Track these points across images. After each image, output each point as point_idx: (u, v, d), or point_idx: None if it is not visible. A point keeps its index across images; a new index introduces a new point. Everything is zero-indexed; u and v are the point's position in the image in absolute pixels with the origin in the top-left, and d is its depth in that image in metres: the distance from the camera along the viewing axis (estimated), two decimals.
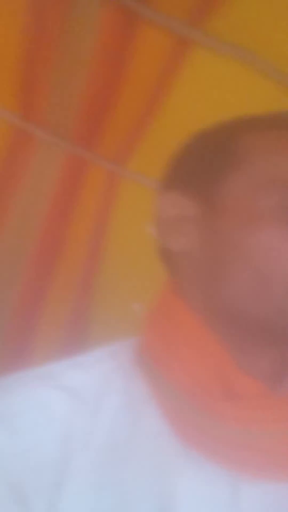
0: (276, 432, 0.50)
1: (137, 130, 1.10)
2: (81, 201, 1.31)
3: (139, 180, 1.26)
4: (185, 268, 0.59)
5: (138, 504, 0.49)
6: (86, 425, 0.52)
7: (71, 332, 1.34)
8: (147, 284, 0.66)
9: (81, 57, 0.95)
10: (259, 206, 0.54)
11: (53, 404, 0.52)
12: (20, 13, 0.87)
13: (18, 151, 1.24)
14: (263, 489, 0.51)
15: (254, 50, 0.89)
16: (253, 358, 0.55)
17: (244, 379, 0.52)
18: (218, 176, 0.57)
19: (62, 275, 1.35)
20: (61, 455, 0.50)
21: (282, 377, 0.56)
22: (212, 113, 0.95)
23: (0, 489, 0.49)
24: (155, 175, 0.67)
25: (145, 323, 0.59)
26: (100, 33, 0.89)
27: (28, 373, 0.57)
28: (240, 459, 0.50)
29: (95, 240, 1.35)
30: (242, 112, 0.82)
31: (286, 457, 0.50)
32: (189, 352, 0.54)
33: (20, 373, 0.57)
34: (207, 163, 0.59)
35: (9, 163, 1.26)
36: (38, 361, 0.60)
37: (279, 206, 0.53)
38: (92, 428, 0.52)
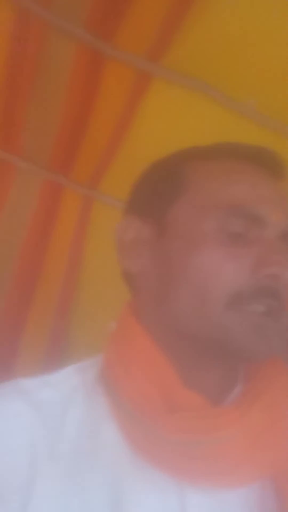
0: (216, 440, 0.52)
1: (107, 156, 1.16)
2: (57, 225, 1.34)
3: (111, 203, 1.29)
4: (141, 289, 0.63)
5: (95, 509, 0.52)
6: (51, 436, 0.55)
7: (51, 353, 1.34)
8: (123, 303, 0.66)
9: (55, 91, 1.01)
10: (201, 229, 0.57)
11: (22, 416, 0.56)
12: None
13: None
14: (208, 496, 0.53)
15: (207, 80, 0.97)
16: (199, 374, 0.58)
17: (186, 394, 0.55)
18: (167, 201, 0.61)
19: (41, 298, 1.36)
20: (28, 461, 0.53)
21: (226, 391, 0.59)
22: (172, 139, 1.01)
23: None
24: (124, 197, 0.70)
25: (106, 342, 0.61)
26: (72, 70, 0.96)
27: (4, 387, 0.60)
28: (183, 467, 0.53)
29: (72, 263, 1.36)
30: (199, 138, 0.91)
31: (226, 464, 0.52)
32: (139, 370, 0.56)
33: None
34: (158, 190, 0.63)
35: None
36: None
37: (219, 230, 0.56)
38: (58, 438, 0.55)
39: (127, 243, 0.63)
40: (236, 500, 0.54)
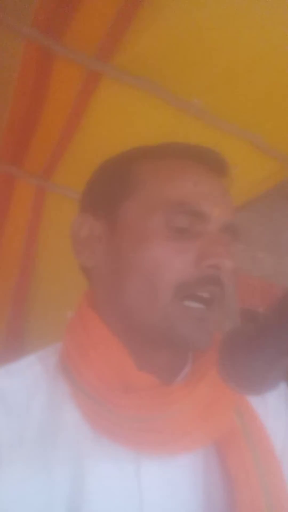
0: (167, 415, 0.57)
1: (58, 148, 1.16)
2: (10, 216, 1.34)
3: (63, 193, 1.32)
4: (96, 281, 0.66)
5: (60, 484, 0.55)
6: (15, 423, 0.58)
7: (9, 342, 1.35)
8: (79, 292, 0.69)
9: (3, 88, 1.00)
10: (148, 225, 0.60)
11: None
12: None
13: None
14: (160, 463, 0.58)
15: (154, 79, 0.98)
16: (151, 358, 0.62)
17: (140, 375, 0.59)
18: (117, 200, 0.64)
19: None
20: None
21: (176, 371, 0.64)
22: (122, 134, 1.05)
23: None
24: (77, 188, 0.72)
25: (65, 330, 0.64)
26: (21, 67, 0.95)
27: None
28: (138, 439, 0.57)
29: (26, 253, 1.38)
30: (148, 134, 0.93)
31: (175, 434, 0.57)
32: (95, 355, 0.60)
33: None
34: (109, 189, 0.65)
35: None
36: None
37: (165, 226, 0.59)
38: (23, 424, 0.58)
39: (81, 239, 0.65)
40: (183, 466, 0.59)
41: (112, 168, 0.67)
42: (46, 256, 1.39)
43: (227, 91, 1.01)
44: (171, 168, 0.63)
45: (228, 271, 0.60)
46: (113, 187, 0.64)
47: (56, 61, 0.95)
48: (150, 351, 0.62)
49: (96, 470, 0.56)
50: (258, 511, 0.56)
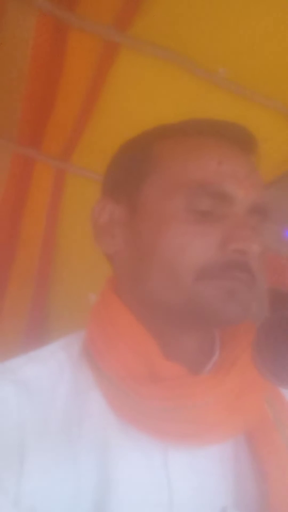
0: (195, 406, 0.55)
1: (78, 128, 1.13)
2: (31, 198, 1.33)
3: (84, 174, 1.30)
4: (118, 267, 0.64)
5: (87, 474, 0.55)
6: (40, 411, 0.57)
7: (31, 326, 1.35)
8: (102, 274, 0.68)
9: (18, 64, 0.97)
10: (169, 208, 0.58)
11: (9, 397, 0.57)
12: None
13: None
14: (187, 453, 0.57)
15: (176, 49, 0.93)
16: (178, 346, 0.60)
17: (167, 364, 0.57)
18: (137, 182, 0.62)
19: (19, 272, 1.37)
20: (18, 441, 0.54)
21: (204, 361, 0.62)
22: (143, 109, 1.02)
23: None
24: (98, 169, 0.72)
25: (88, 317, 0.63)
26: (35, 41, 0.91)
27: None
28: (165, 430, 0.56)
29: (47, 235, 1.37)
30: (170, 107, 0.88)
31: (204, 426, 0.56)
32: (121, 343, 0.59)
33: None
34: (129, 171, 0.63)
35: None
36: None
37: (186, 208, 0.57)
38: (47, 412, 0.57)
39: (102, 225, 0.64)
40: (212, 455, 0.58)
41: (132, 150, 0.66)
42: (67, 239, 1.38)
43: (253, 58, 0.96)
44: (193, 146, 0.61)
45: (256, 256, 0.57)
46: (133, 170, 0.63)
47: (71, 33, 0.92)
48: (177, 338, 0.61)
49: (123, 460, 0.56)
50: None
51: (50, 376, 0.60)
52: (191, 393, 0.56)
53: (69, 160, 1.30)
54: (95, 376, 0.59)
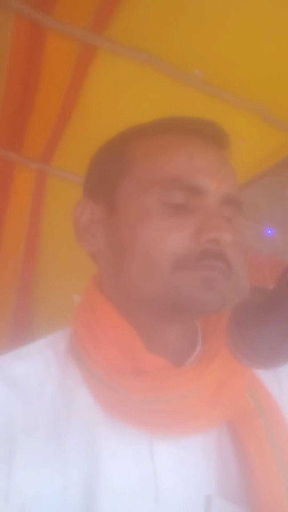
0: (178, 397, 0.57)
1: (57, 129, 1.13)
2: (12, 201, 1.33)
3: (65, 176, 1.30)
4: (101, 265, 0.65)
5: (75, 468, 0.55)
6: (29, 408, 0.57)
7: (16, 327, 1.35)
8: (84, 274, 0.69)
9: None
10: (144, 205, 0.59)
11: None
12: None
13: None
14: (172, 443, 0.58)
15: (152, 51, 0.95)
16: (160, 338, 0.61)
17: (150, 357, 0.59)
18: (114, 182, 0.63)
19: (2, 273, 1.37)
20: (7, 436, 0.55)
21: (187, 353, 0.63)
22: (121, 110, 1.02)
23: None
24: (79, 170, 0.73)
25: (74, 314, 0.64)
26: (12, 44, 0.92)
27: None
28: (150, 421, 0.57)
29: (29, 236, 1.37)
30: (148, 108, 0.89)
31: (187, 416, 0.57)
32: (105, 338, 0.60)
33: None
34: (106, 171, 0.65)
35: None
36: None
37: (160, 203, 0.59)
38: (36, 409, 0.58)
39: (83, 225, 0.65)
40: (196, 446, 0.59)
41: (108, 150, 0.67)
42: (50, 240, 1.39)
43: (228, 60, 0.98)
44: (165, 144, 0.62)
45: (229, 245, 0.58)
46: (110, 170, 0.64)
47: (48, 36, 0.92)
48: (160, 331, 0.62)
49: (110, 452, 0.56)
50: (275, 489, 0.55)
51: (37, 372, 0.60)
52: (174, 384, 0.57)
53: (50, 163, 1.30)
54: (82, 372, 0.60)
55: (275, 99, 1.08)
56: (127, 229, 0.60)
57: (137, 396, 0.56)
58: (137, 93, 1.02)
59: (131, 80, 1.00)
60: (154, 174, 0.60)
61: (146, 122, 0.66)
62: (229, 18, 0.90)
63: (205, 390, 0.57)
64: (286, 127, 1.16)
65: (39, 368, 0.61)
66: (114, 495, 0.54)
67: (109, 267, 0.64)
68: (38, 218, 1.35)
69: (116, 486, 0.55)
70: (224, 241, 0.57)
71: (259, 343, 0.42)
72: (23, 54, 0.93)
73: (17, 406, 0.57)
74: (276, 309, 0.41)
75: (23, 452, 0.55)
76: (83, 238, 0.65)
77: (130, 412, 0.57)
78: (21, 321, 1.36)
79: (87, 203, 0.65)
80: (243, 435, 0.59)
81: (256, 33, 0.94)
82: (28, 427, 0.56)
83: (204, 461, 0.59)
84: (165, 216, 0.58)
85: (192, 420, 0.57)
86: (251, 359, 0.43)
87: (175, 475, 0.57)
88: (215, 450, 0.60)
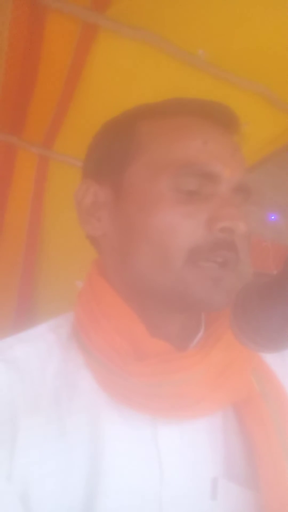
0: (180, 380, 0.56)
1: (58, 113, 1.12)
2: (14, 185, 1.32)
3: (67, 161, 1.29)
4: (104, 250, 0.64)
5: (78, 448, 0.55)
6: (30, 389, 0.58)
7: (19, 313, 1.35)
8: (87, 259, 0.68)
9: None
10: (155, 189, 0.58)
11: None
12: None
13: None
14: (176, 426, 0.58)
15: (155, 31, 0.92)
16: (163, 324, 0.61)
17: (153, 342, 0.58)
18: (121, 164, 0.61)
19: (5, 259, 1.37)
20: (9, 418, 0.55)
21: (190, 337, 0.63)
22: (124, 92, 1.01)
23: None
24: (81, 155, 0.69)
25: (76, 299, 0.64)
26: (12, 24, 0.89)
27: None
28: (153, 404, 0.57)
29: (32, 221, 1.37)
30: (151, 90, 0.87)
31: (190, 399, 0.57)
32: (108, 324, 0.59)
33: None
34: (112, 151, 0.63)
35: None
36: None
37: (173, 189, 0.57)
38: (38, 390, 0.58)
39: (86, 208, 0.63)
40: (201, 428, 0.59)
41: (114, 130, 0.64)
42: (52, 225, 1.38)
43: (233, 41, 0.95)
44: (178, 126, 0.60)
45: (242, 234, 0.58)
46: (116, 151, 0.62)
47: (49, 15, 0.89)
48: (163, 317, 0.61)
49: (114, 434, 0.56)
50: (279, 470, 0.56)
51: (39, 356, 0.60)
52: (177, 368, 0.57)
53: (52, 147, 1.29)
54: (84, 357, 0.60)
55: (280, 81, 1.06)
56: (137, 215, 0.59)
57: (140, 381, 0.56)
58: (140, 74, 1.00)
59: (133, 61, 0.98)
60: (166, 158, 0.58)
61: (154, 102, 0.64)
62: None
63: (208, 374, 0.57)
64: None
65: (41, 352, 0.61)
66: (118, 476, 0.55)
67: (114, 253, 0.62)
68: (40, 203, 1.34)
69: (120, 467, 0.55)
70: (238, 230, 0.56)
71: (265, 327, 0.42)
72: (23, 34, 0.91)
73: (18, 387, 0.57)
74: (282, 292, 0.41)
75: (25, 433, 0.55)
76: (87, 222, 0.63)
77: (134, 396, 0.57)
78: (24, 306, 1.36)
79: (90, 185, 0.63)
80: (247, 418, 0.59)
81: (261, 14, 0.90)
82: (30, 408, 0.56)
83: (209, 444, 0.59)
84: (178, 203, 0.57)
85: (195, 403, 0.57)
86: (257, 342, 0.43)
87: (179, 458, 0.57)
88: (220, 433, 0.60)
